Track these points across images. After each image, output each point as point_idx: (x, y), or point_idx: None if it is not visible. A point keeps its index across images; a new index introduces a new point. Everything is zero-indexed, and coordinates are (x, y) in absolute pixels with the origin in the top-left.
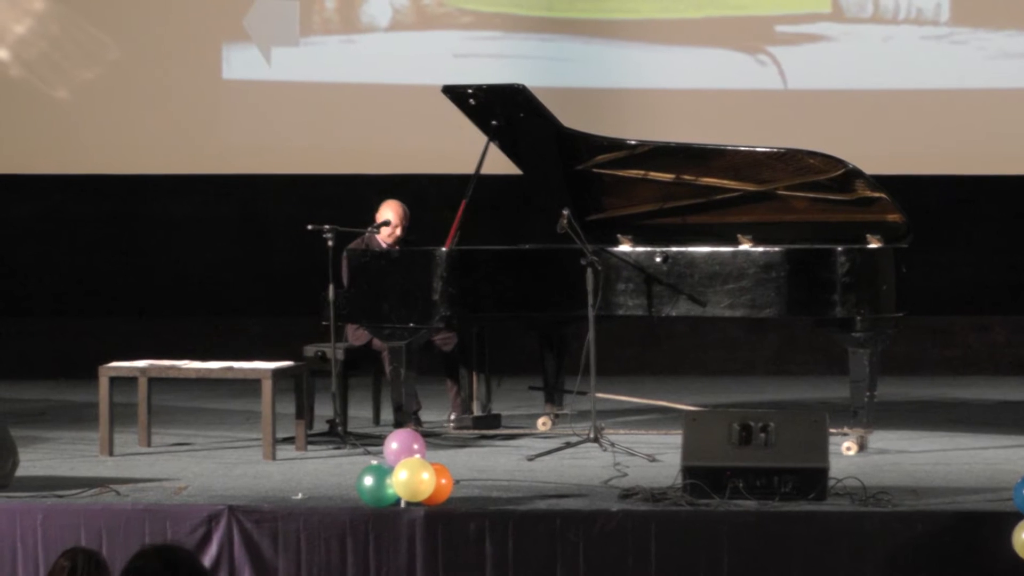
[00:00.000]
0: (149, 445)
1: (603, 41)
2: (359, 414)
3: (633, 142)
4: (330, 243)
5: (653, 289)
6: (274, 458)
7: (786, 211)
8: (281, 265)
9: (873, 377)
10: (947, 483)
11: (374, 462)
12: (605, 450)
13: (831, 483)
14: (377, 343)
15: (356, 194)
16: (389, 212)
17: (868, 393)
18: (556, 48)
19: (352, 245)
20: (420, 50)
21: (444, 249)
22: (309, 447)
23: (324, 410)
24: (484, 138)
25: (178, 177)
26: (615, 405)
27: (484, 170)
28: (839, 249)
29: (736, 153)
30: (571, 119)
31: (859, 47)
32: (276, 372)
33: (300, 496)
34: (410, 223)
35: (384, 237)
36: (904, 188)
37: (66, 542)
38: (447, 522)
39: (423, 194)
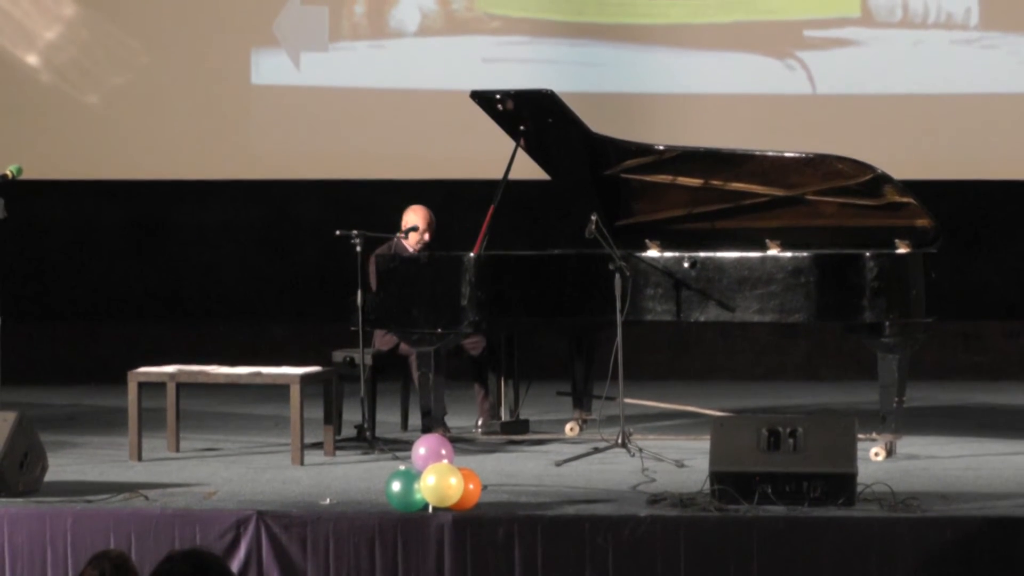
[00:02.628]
0: (178, 450)
1: (632, 46)
2: (387, 419)
3: (661, 147)
4: (358, 248)
5: (682, 294)
6: (303, 463)
7: (815, 216)
8: (310, 270)
9: (902, 382)
10: (977, 488)
11: (402, 467)
12: (633, 455)
13: (860, 489)
14: (404, 348)
15: (385, 199)
16: (416, 218)
17: (897, 398)
18: (585, 53)
19: (379, 250)
20: (449, 55)
21: (473, 254)
22: (337, 452)
23: (352, 415)
24: (513, 143)
25: (207, 182)
26: (643, 410)
27: (512, 175)
28: (868, 254)
29: (765, 158)
30: (600, 124)
31: (888, 52)
32: (305, 377)
33: (328, 501)
34: (436, 229)
35: (411, 243)
36: (933, 193)
37: (95, 547)
38: (475, 527)
39: (452, 199)
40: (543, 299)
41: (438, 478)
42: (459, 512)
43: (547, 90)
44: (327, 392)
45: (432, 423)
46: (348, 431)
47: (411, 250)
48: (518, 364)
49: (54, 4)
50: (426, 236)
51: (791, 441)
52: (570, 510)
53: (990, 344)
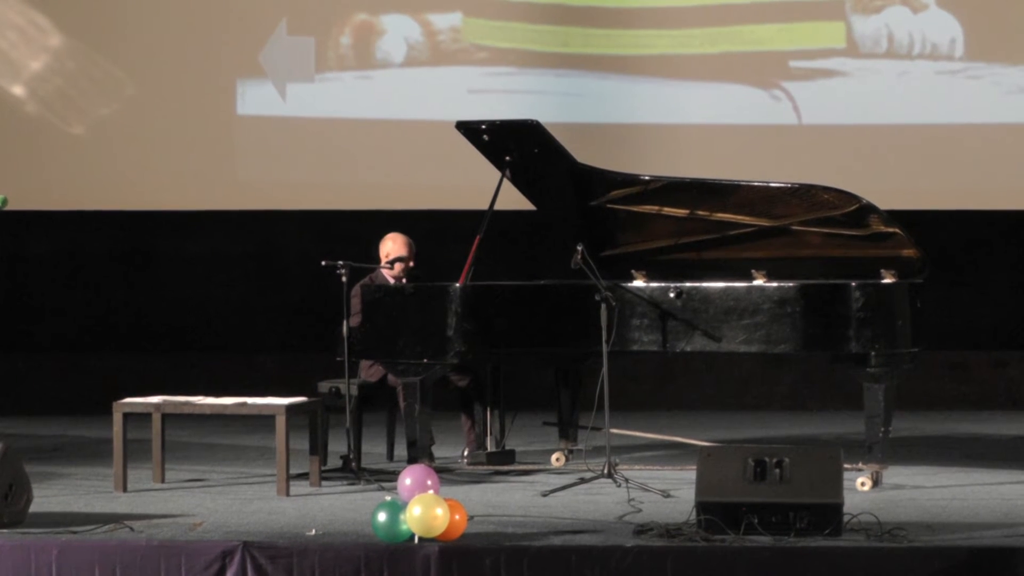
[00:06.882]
0: (163, 481)
1: (618, 77)
2: (373, 450)
3: (647, 177)
4: (344, 279)
5: (668, 325)
6: (288, 494)
7: (800, 246)
8: (295, 300)
9: (888, 412)
10: (963, 519)
11: (388, 498)
12: (619, 486)
13: (846, 519)
14: (392, 379)
15: (371, 230)
16: (399, 247)
17: (883, 428)
18: (571, 84)
19: (363, 282)
20: (435, 86)
21: (458, 285)
22: (323, 483)
23: (338, 446)
24: (498, 173)
25: (193, 213)
26: (629, 440)
27: (498, 205)
28: (854, 284)
29: (750, 188)
30: (585, 155)
31: (874, 82)
32: (290, 408)
33: (314, 532)
34: (422, 260)
35: (393, 273)
36: (919, 223)
37: None
38: (461, 558)
39: (438, 229)
40: (529, 330)
41: (424, 509)
42: (445, 543)
43: (532, 120)
44: (313, 423)
45: (418, 453)
46: (334, 462)
47: (391, 280)
48: (504, 394)
49: (40, 35)
50: (411, 263)
51: (777, 471)
52: (556, 541)
53: (976, 374)
